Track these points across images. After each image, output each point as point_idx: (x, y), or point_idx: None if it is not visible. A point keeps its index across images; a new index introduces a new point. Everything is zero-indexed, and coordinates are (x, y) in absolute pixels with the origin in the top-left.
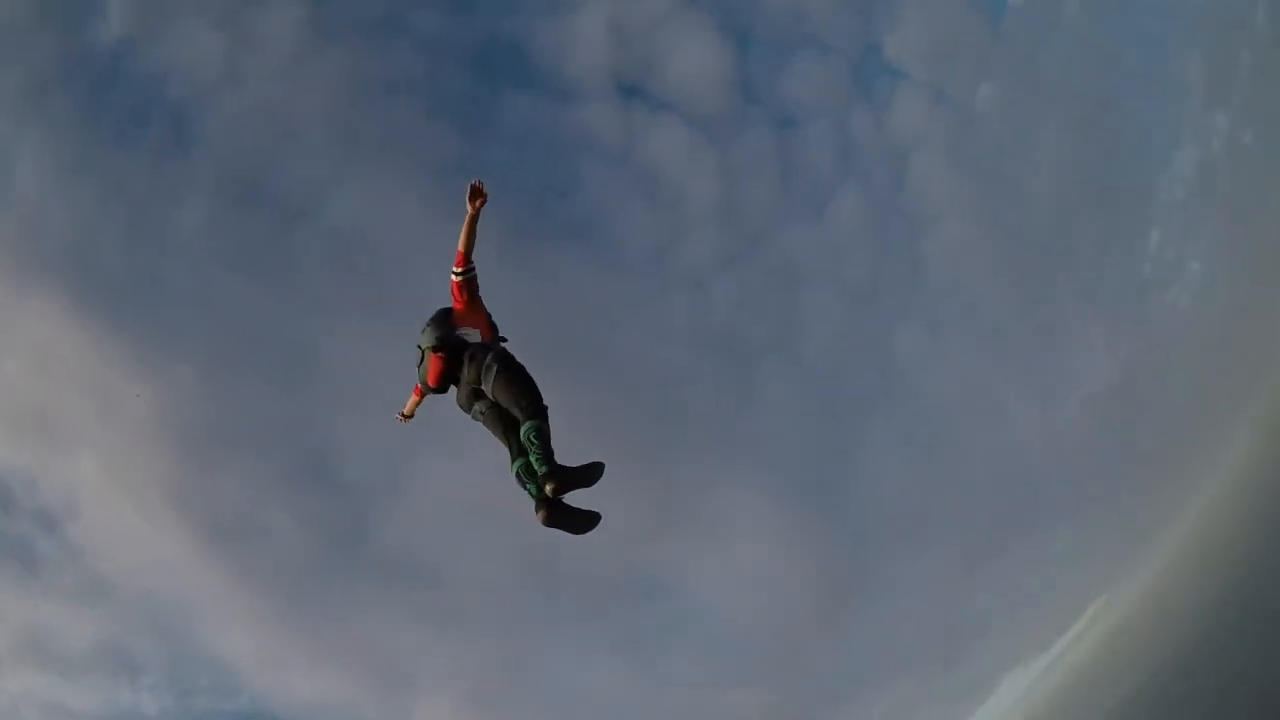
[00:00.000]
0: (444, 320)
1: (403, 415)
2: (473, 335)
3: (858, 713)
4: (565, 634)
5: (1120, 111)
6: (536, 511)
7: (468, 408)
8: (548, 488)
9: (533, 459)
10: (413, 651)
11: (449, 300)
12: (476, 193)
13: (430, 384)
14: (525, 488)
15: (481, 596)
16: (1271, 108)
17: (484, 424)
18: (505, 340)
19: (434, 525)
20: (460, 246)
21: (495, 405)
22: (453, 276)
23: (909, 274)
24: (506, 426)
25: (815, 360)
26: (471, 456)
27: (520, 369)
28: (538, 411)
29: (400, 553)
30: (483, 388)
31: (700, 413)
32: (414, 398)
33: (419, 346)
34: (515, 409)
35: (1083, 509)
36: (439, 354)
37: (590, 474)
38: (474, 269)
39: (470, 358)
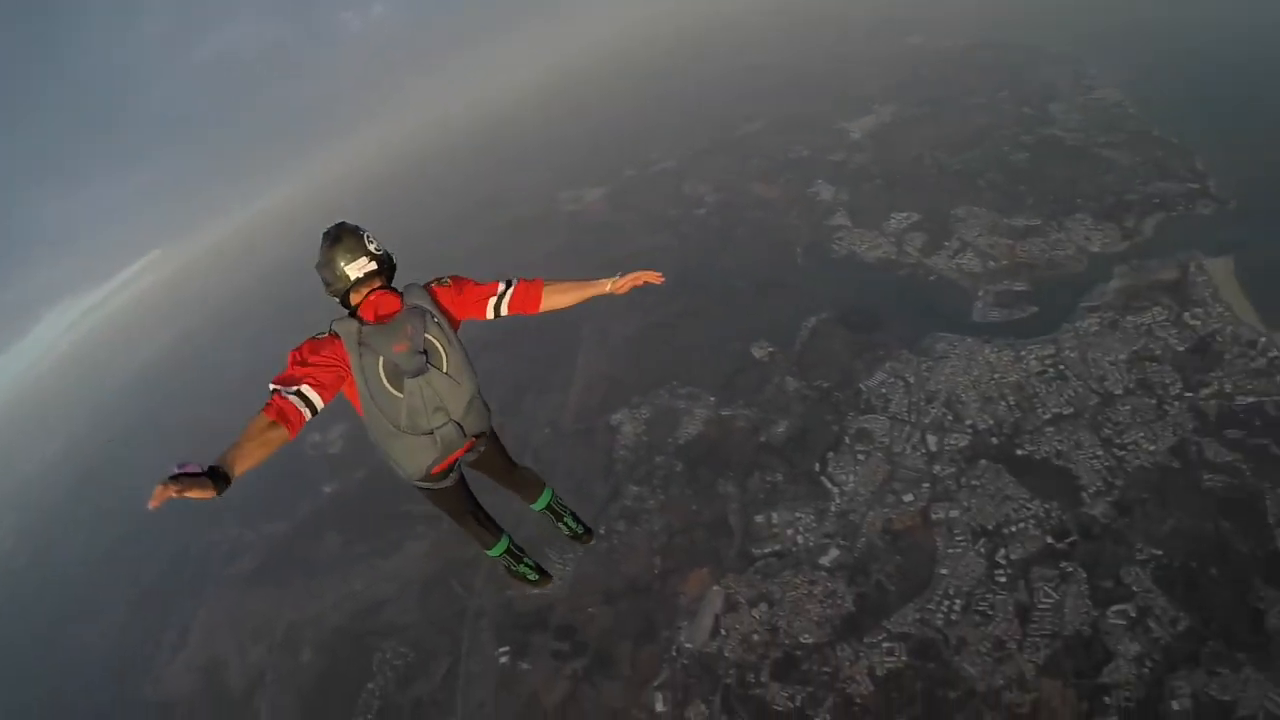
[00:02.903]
0: (463, 349)
1: (194, 481)
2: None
3: None
4: None
5: None
6: (533, 586)
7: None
8: (592, 542)
9: (568, 522)
10: None
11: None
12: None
13: (435, 471)
14: (520, 566)
15: None
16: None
17: (440, 502)
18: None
19: None
20: (555, 297)
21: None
22: (500, 303)
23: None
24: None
25: None
26: None
27: None
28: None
29: None
30: (491, 473)
31: None
32: (271, 436)
33: (428, 425)
34: (510, 475)
35: (173, 153)
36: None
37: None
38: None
39: (503, 456)
